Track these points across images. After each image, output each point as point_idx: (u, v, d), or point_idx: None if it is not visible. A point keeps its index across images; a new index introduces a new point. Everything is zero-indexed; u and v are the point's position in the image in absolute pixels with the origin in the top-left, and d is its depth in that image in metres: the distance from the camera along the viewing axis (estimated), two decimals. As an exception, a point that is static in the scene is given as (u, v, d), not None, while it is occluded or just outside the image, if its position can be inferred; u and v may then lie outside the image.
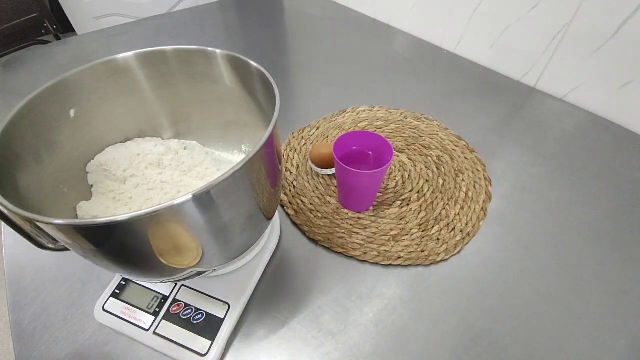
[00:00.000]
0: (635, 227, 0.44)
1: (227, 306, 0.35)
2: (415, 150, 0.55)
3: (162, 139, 0.41)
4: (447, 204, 0.46)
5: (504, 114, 0.62)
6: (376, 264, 0.41)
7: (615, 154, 0.54)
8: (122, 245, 0.23)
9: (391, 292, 0.38)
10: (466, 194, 0.48)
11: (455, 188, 0.48)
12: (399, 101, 0.65)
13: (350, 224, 0.45)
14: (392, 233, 0.43)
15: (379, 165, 0.43)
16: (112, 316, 0.35)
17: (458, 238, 0.43)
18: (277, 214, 0.43)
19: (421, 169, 0.52)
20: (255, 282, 0.38)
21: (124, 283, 0.37)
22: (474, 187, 0.49)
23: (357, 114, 0.63)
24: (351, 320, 0.36)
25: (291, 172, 0.52)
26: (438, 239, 0.43)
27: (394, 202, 0.47)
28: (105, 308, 0.35)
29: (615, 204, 0.47)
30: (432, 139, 0.57)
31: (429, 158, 0.53)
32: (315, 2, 1.05)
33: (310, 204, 0.47)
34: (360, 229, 0.44)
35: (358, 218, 0.45)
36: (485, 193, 0.48)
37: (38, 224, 0.20)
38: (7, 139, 0.26)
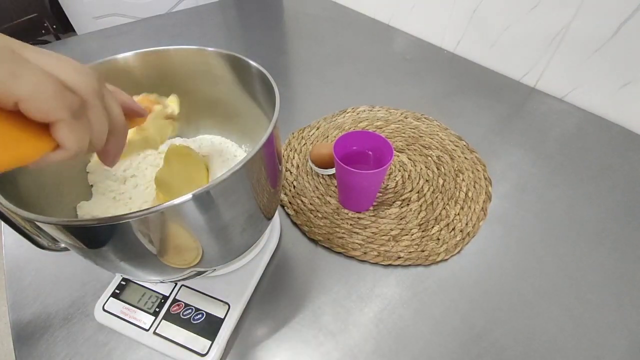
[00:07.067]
0: (635, 227, 0.44)
1: (227, 306, 0.35)
2: (415, 150, 0.55)
3: (162, 139, 0.41)
4: (447, 204, 0.46)
5: (504, 114, 0.62)
6: (376, 264, 0.41)
7: (615, 154, 0.54)
8: (122, 245, 0.23)
9: (391, 292, 0.39)
10: (466, 194, 0.48)
11: (455, 188, 0.48)
12: (399, 101, 0.65)
13: (350, 224, 0.45)
14: (392, 233, 0.43)
15: (379, 165, 0.43)
16: (112, 316, 0.35)
17: (458, 238, 0.43)
18: (277, 214, 0.43)
19: (421, 169, 0.52)
20: (255, 282, 0.38)
21: (124, 283, 0.37)
22: (474, 187, 0.49)
23: (357, 114, 0.63)
24: (351, 320, 0.36)
25: (291, 172, 0.52)
26: (438, 239, 0.43)
27: (394, 202, 0.47)
28: (105, 308, 0.35)
29: (615, 203, 0.47)
30: (432, 139, 0.57)
31: (429, 158, 0.53)
32: (315, 2, 1.05)
33: (310, 204, 0.47)
34: (360, 229, 0.44)
35: (358, 218, 0.45)
36: (485, 193, 0.48)
37: (38, 224, 0.20)
38: (7, 139, 0.26)
